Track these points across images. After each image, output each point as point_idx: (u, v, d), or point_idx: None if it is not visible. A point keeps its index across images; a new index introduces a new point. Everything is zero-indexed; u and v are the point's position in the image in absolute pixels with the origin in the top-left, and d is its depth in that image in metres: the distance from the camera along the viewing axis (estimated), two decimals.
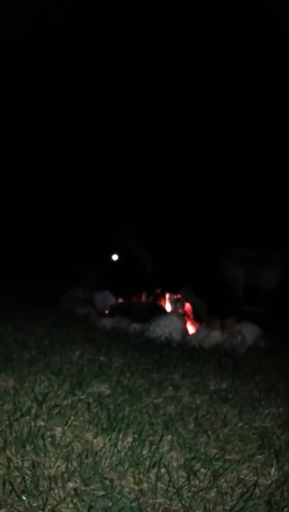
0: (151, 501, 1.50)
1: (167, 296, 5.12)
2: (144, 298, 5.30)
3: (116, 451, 1.77)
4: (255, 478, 1.74)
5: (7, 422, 1.85)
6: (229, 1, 8.56)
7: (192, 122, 10.74)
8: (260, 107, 9.78)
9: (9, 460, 1.59)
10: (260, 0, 8.26)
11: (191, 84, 10.01)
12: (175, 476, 1.67)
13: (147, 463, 1.71)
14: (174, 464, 1.77)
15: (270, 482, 1.72)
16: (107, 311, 5.08)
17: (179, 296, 5.12)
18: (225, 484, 1.67)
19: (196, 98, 10.14)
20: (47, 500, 1.41)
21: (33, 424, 1.86)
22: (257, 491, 1.66)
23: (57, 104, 9.77)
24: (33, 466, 1.57)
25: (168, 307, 4.98)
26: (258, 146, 10.54)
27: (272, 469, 1.82)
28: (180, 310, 4.88)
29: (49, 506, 1.39)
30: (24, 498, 1.41)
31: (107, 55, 9.81)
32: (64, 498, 1.44)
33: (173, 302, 5.02)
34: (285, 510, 1.54)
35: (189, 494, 1.57)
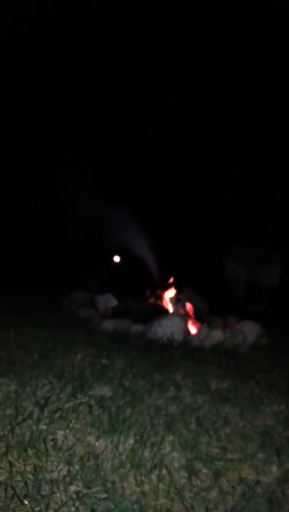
0: (152, 503, 1.51)
1: (169, 296, 5.12)
2: (146, 299, 5.30)
3: (118, 453, 1.78)
4: (256, 476, 1.75)
5: (9, 427, 1.86)
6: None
7: (190, 122, 10.76)
8: (259, 107, 9.80)
9: (11, 465, 1.60)
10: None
11: (188, 81, 10.03)
12: (176, 477, 1.68)
13: (149, 464, 1.72)
14: (176, 464, 1.78)
15: (271, 480, 1.73)
16: (109, 313, 5.09)
17: (180, 296, 5.13)
18: (226, 484, 1.68)
19: (192, 96, 10.16)
20: (49, 504, 1.42)
21: (34, 428, 1.87)
22: (258, 489, 1.67)
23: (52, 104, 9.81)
24: (35, 471, 1.58)
25: (169, 308, 4.99)
26: (258, 146, 10.56)
27: (274, 467, 1.83)
28: (181, 310, 4.89)
29: (51, 510, 1.40)
30: (26, 502, 1.42)
31: (108, 58, 9.84)
32: (66, 502, 1.45)
33: (174, 303, 5.02)
34: (287, 507, 1.55)
35: (191, 495, 1.58)
